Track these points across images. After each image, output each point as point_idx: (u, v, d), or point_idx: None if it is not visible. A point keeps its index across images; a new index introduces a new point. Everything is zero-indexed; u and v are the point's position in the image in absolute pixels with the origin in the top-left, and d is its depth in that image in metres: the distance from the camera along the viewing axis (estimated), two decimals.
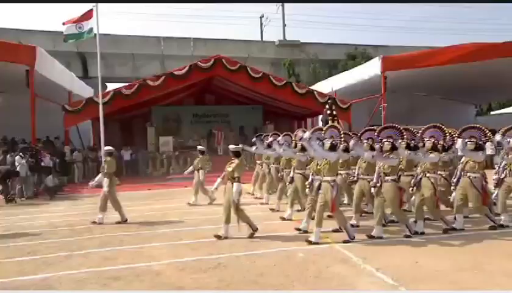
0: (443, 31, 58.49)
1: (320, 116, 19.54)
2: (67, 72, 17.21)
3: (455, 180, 6.24)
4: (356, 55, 31.00)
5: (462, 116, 25.82)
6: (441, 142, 6.22)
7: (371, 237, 5.57)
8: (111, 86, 20.98)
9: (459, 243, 5.33)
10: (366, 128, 7.07)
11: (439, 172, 6.28)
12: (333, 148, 5.51)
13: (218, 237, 5.72)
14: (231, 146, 6.10)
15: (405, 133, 6.05)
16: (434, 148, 5.96)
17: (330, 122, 16.14)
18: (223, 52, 20.44)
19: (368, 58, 29.19)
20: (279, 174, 8.20)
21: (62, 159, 12.98)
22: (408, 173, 6.40)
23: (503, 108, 30.09)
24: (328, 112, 15.89)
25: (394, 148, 5.74)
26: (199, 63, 15.82)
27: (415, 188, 6.06)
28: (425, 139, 6.14)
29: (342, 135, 5.84)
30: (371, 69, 17.19)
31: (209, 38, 31.42)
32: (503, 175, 6.38)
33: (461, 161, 6.24)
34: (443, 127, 6.45)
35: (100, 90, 13.25)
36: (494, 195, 6.75)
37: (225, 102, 21.58)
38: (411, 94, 21.14)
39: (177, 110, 20.90)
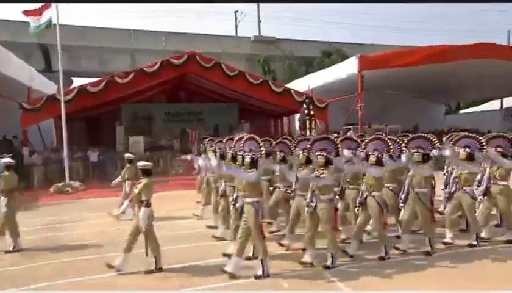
0: (417, 30, 59.88)
1: (297, 116, 19.31)
2: (26, 67, 15.89)
3: (402, 196, 5.60)
4: (331, 53, 30.98)
5: (432, 114, 26.43)
6: (386, 154, 5.50)
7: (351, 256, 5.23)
8: (77, 81, 19.74)
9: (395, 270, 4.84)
10: (300, 138, 6.63)
11: (386, 184, 5.74)
12: (253, 163, 4.85)
13: (110, 266, 4.88)
14: (140, 164, 5.22)
15: (339, 144, 5.50)
16: (378, 162, 5.30)
17: (307, 122, 15.98)
18: (196, 47, 19.66)
19: (343, 55, 29.24)
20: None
21: (19, 161, 11.87)
22: (353, 186, 5.84)
23: (471, 107, 31.07)
24: (306, 111, 15.63)
25: (328, 162, 5.13)
26: (171, 59, 15.03)
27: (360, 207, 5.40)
28: (369, 152, 5.46)
29: (262, 147, 5.17)
30: (348, 68, 17.03)
31: (182, 32, 30.38)
32: (453, 188, 5.92)
33: (409, 174, 5.57)
34: (386, 138, 5.84)
35: (61, 86, 12.23)
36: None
37: (198, 100, 20.84)
38: (384, 93, 21.25)
39: (148, 107, 19.97)
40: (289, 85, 21.39)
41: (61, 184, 11.84)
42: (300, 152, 5.49)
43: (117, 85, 14.49)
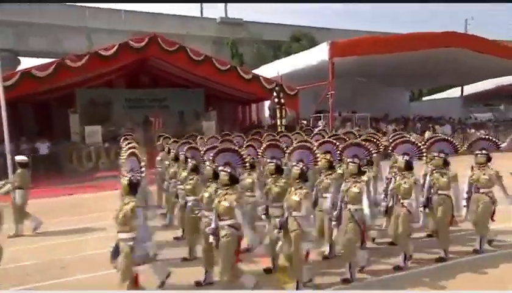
0: (385, 16, 60.53)
1: (267, 103, 18.69)
2: None
3: (334, 213, 4.66)
4: (300, 38, 30.42)
5: (399, 101, 26.89)
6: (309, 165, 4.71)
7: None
8: (25, 62, 17.74)
9: None
10: (269, 143, 5.52)
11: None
12: (234, 181, 4.23)
13: None
14: (18, 158, 4.54)
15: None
16: (301, 176, 4.39)
17: (277, 110, 15.43)
18: (158, 28, 18.36)
19: (312, 40, 28.80)
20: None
21: None
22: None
23: (432, 94, 31.92)
24: (276, 100, 15.06)
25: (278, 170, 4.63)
26: (131, 42, 13.70)
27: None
28: (293, 164, 4.60)
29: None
30: (318, 54, 16.57)
31: (143, 11, 28.46)
32: (391, 202, 5.22)
33: (341, 189, 4.71)
34: (311, 145, 5.01)
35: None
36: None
37: (162, 85, 19.53)
38: (354, 80, 21.14)
39: (106, 93, 18.39)
40: (257, 71, 20.63)
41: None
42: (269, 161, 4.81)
43: (69, 69, 13.02)
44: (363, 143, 5.06)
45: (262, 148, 5.07)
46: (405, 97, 28.54)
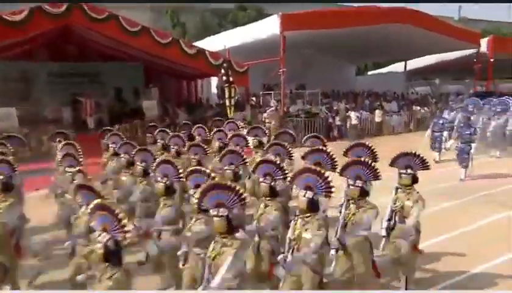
0: None
1: (214, 81, 17.29)
2: None
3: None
4: (246, 7, 28.74)
5: (346, 75, 26.92)
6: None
7: None
8: None
9: None
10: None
11: None
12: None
13: None
14: None
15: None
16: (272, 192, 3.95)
17: (226, 89, 14.18)
18: None
19: (259, 10, 27.35)
20: None
21: None
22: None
23: (377, 69, 32.49)
24: (224, 77, 13.78)
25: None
26: (46, 6, 11.31)
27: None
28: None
29: None
30: (269, 27, 15.40)
31: None
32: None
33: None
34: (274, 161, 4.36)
35: None
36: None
37: (93, 58, 17.12)
38: (302, 52, 20.43)
39: (23, 66, 15.63)
40: (202, 43, 18.96)
41: None
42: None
43: None
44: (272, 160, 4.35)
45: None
46: (351, 71, 28.65)
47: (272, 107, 14.73)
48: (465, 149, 8.57)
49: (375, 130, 15.75)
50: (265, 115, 14.56)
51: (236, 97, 14.57)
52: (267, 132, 8.82)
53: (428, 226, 4.43)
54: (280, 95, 15.55)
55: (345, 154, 4.51)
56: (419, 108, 17.51)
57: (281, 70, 14.72)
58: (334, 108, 16.52)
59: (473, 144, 8.62)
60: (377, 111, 15.84)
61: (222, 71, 13.42)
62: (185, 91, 19.73)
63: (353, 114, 15.17)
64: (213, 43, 17.99)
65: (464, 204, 7.08)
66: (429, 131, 10.84)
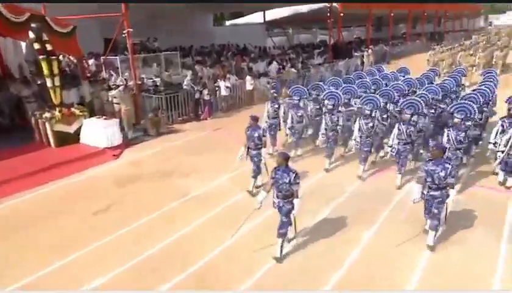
0: None
1: (22, 51, 11.80)
2: None
3: None
4: None
5: (202, 26, 23.84)
6: None
7: None
8: None
9: None
10: None
11: None
12: None
13: None
14: None
15: None
16: None
17: (43, 63, 9.36)
18: None
19: None
20: None
21: None
22: None
23: (234, 18, 30.19)
24: (37, 46, 9.02)
25: None
26: None
27: None
28: None
29: None
30: None
31: None
32: None
33: None
34: None
35: None
36: None
37: None
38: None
39: None
40: None
41: None
42: None
43: None
44: None
45: None
46: (209, 22, 25.65)
47: (120, 83, 10.92)
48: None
49: (247, 99, 13.86)
50: (112, 93, 10.73)
51: (66, 72, 10.11)
52: None
53: None
54: (129, 62, 11.64)
55: None
56: (293, 70, 16.31)
57: (125, 31, 10.79)
58: (199, 74, 13.70)
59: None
60: (248, 77, 13.83)
61: (31, 35, 8.77)
62: None
63: (222, 84, 12.75)
64: None
65: None
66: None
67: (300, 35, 32.12)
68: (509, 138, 6.47)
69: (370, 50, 22.23)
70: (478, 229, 5.55)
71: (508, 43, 23.03)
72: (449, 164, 4.90)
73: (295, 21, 27.79)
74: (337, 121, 7.66)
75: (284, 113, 8.65)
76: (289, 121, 8.22)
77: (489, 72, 10.42)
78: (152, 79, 13.04)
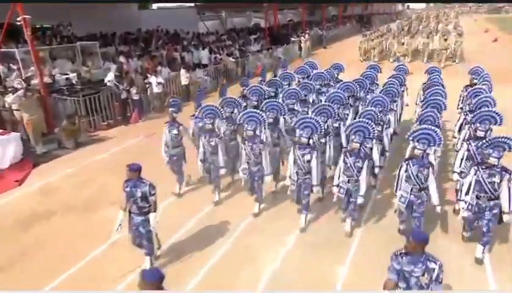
0: None
1: None
2: None
3: None
4: None
5: (124, 7, 21.23)
6: None
7: None
8: None
9: None
10: None
11: None
12: None
13: None
14: None
15: None
16: None
17: None
18: None
19: None
20: None
21: None
22: None
23: (162, 1, 27.49)
24: None
25: None
26: None
27: None
28: None
29: None
30: None
31: None
32: None
33: None
34: None
35: None
36: None
37: None
38: None
39: None
40: None
41: None
42: None
43: None
44: None
45: None
46: (133, 6, 22.89)
47: (18, 87, 8.71)
48: None
49: (183, 95, 12.34)
50: (9, 99, 8.56)
51: None
52: None
53: None
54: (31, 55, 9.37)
55: None
56: (231, 58, 15.02)
57: (21, 17, 8.56)
58: (125, 68, 11.80)
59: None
60: (182, 71, 12.26)
61: None
62: None
63: (153, 80, 11.07)
64: None
65: None
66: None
67: (234, 18, 30.76)
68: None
69: (307, 36, 21.73)
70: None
71: (430, 29, 23.64)
72: (435, 263, 2.99)
73: (228, 2, 26.24)
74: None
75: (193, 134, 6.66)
76: (200, 150, 6.04)
77: (400, 66, 9.01)
78: (66, 75, 10.92)
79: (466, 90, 7.56)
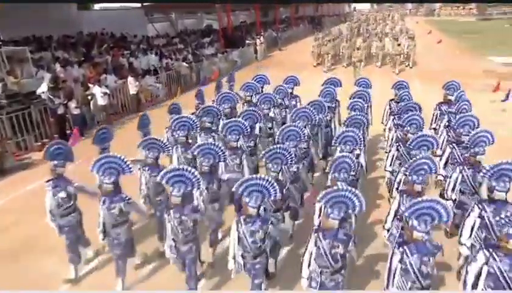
0: None
1: None
2: None
3: None
4: None
5: (62, 8, 19.28)
6: None
7: None
8: None
9: None
10: None
11: None
12: None
13: None
14: None
15: None
16: None
17: None
18: None
19: None
20: None
21: None
22: None
23: (106, 2, 25.54)
24: None
25: None
26: None
27: None
28: None
29: None
30: None
31: None
32: None
33: None
34: None
35: None
36: None
37: None
38: None
39: None
40: None
41: None
42: None
43: None
44: None
45: None
46: (70, 6, 20.88)
47: None
48: None
49: (132, 105, 11.15)
50: None
51: None
52: None
53: None
54: None
55: None
56: (184, 63, 13.97)
57: None
58: (61, 76, 10.35)
59: None
60: (130, 79, 11.06)
61: None
62: None
63: (97, 90, 9.78)
64: None
65: None
66: None
67: (185, 20, 29.58)
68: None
69: (262, 38, 21.22)
70: None
71: (379, 31, 23.66)
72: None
73: (178, 3, 25.05)
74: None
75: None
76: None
77: (361, 81, 7.94)
78: None
79: (439, 108, 6.82)
